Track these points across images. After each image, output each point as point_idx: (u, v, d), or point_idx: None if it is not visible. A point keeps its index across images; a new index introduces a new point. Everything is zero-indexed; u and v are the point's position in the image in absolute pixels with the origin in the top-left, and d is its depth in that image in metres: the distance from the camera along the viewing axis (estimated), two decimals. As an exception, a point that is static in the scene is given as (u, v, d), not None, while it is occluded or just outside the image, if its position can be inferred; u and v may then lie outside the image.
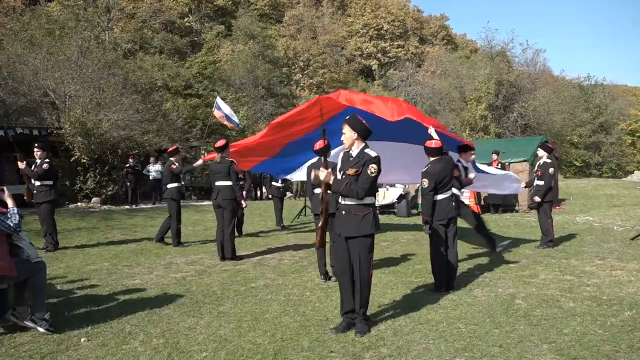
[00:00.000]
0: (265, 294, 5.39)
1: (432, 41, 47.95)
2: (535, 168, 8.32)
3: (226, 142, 7.66)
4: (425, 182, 5.48)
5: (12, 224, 3.96)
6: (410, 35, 45.84)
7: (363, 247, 4.06)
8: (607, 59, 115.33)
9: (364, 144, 4.12)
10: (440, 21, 51.35)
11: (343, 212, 4.12)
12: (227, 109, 15.39)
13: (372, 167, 3.99)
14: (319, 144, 5.86)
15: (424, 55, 44.43)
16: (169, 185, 8.80)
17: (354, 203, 4.06)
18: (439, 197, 5.50)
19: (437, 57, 41.46)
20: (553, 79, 37.83)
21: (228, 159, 7.49)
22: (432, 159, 5.61)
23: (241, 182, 8.90)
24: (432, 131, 6.08)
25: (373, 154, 4.04)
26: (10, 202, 4.11)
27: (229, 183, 7.38)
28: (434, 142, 5.65)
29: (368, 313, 4.23)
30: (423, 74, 41.60)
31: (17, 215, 4.01)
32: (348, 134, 4.10)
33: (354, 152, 4.12)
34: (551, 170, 7.97)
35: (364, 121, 4.14)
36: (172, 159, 8.84)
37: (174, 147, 9.48)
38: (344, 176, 4.08)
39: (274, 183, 11.77)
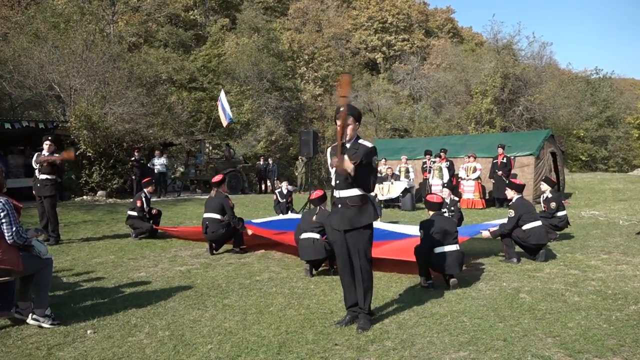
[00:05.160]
0: (269, 287, 5.41)
1: (437, 34, 47.64)
2: (542, 204, 8.39)
3: (223, 177, 7.73)
4: (421, 233, 5.46)
5: (23, 236, 4.02)
6: (415, 28, 45.53)
7: (362, 240, 4.01)
8: (614, 52, 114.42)
9: (356, 135, 4.06)
10: (446, 14, 50.98)
11: (339, 206, 4.05)
12: (225, 103, 15.35)
13: (375, 159, 4.01)
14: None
15: (429, 49, 44.17)
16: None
17: (350, 195, 4.00)
18: (437, 249, 5.35)
19: (442, 50, 41.25)
20: (559, 73, 37.62)
21: (222, 193, 7.52)
22: (431, 213, 5.63)
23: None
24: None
25: (369, 144, 4.01)
26: None
27: (218, 216, 7.31)
28: (436, 197, 5.72)
29: (371, 307, 4.21)
30: (428, 67, 41.42)
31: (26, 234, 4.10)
32: (352, 124, 3.98)
33: (349, 142, 4.01)
34: (553, 204, 8.01)
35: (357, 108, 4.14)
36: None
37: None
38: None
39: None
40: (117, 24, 26.60)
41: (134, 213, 8.76)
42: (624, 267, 6.08)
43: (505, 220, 6.78)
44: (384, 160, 14.63)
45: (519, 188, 6.91)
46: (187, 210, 13.01)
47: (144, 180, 9.34)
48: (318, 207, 6.25)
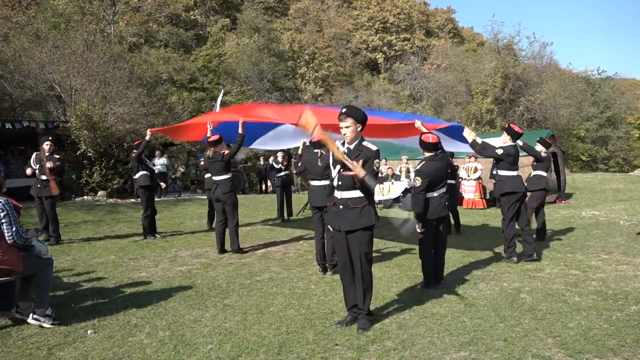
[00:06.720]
0: (270, 287, 5.41)
1: (438, 34, 47.66)
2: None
3: (220, 137, 7.72)
4: (418, 181, 5.19)
5: (23, 236, 4.01)
6: (416, 28, 45.56)
7: (363, 241, 4.01)
8: (615, 52, 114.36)
9: (360, 136, 4.05)
10: (447, 14, 51.01)
11: (341, 207, 4.06)
12: (218, 102, 15.34)
13: (377, 162, 3.97)
14: (315, 138, 5.67)
15: (430, 49, 44.18)
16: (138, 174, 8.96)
17: (351, 196, 4.01)
18: (431, 194, 5.25)
19: (443, 51, 41.27)
20: (560, 73, 37.59)
21: (220, 152, 7.55)
22: (427, 154, 5.33)
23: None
24: (418, 124, 5.66)
25: (373, 147, 3.98)
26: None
27: (227, 176, 7.46)
28: (431, 137, 5.32)
29: (372, 307, 4.21)
30: (429, 67, 41.42)
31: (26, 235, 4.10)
32: (352, 126, 3.97)
33: (352, 144, 4.01)
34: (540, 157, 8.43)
35: (360, 108, 4.12)
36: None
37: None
38: (342, 170, 3.98)
39: (277, 174, 11.91)
40: (118, 24, 26.60)
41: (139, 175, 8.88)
42: (625, 267, 6.08)
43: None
44: (384, 160, 14.64)
45: (516, 135, 6.58)
46: (187, 210, 13.02)
47: (134, 143, 9.57)
48: (319, 151, 6.05)
